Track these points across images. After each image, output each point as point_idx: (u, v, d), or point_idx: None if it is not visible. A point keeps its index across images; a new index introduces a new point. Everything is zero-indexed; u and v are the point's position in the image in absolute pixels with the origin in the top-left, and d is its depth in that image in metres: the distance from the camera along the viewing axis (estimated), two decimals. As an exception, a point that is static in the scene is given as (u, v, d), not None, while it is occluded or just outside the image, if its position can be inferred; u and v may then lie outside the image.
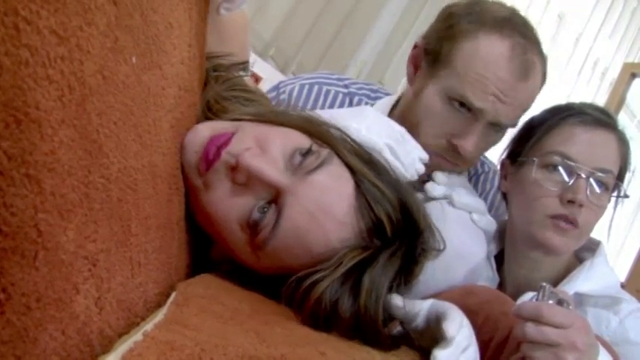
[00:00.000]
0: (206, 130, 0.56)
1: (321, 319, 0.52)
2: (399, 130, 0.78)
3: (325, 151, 0.56)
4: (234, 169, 0.52)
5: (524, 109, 0.92)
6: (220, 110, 0.62)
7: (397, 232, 0.57)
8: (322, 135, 0.58)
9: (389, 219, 0.56)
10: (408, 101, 0.97)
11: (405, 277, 0.58)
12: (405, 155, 0.78)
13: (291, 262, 0.55)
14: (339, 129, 0.62)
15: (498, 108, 0.86)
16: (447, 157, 0.92)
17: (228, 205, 0.54)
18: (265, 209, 0.53)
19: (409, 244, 0.58)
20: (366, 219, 0.55)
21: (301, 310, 0.53)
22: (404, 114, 0.97)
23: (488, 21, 0.88)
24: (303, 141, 0.56)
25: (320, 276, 0.53)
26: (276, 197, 0.53)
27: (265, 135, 0.55)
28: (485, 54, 0.86)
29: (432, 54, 0.91)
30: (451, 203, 0.89)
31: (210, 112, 0.62)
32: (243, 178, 0.52)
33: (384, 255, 0.55)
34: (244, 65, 0.73)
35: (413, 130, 0.90)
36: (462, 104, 0.87)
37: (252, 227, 0.53)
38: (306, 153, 0.54)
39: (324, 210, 0.53)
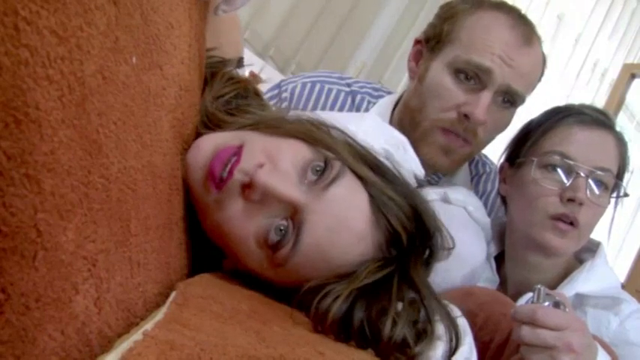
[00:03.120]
0: (209, 145, 0.54)
1: (335, 328, 0.51)
2: (402, 139, 0.78)
3: (337, 164, 0.54)
4: (248, 187, 0.51)
5: (530, 82, 0.93)
6: (217, 117, 0.61)
7: (412, 240, 0.56)
8: (328, 145, 0.56)
9: (404, 229, 0.55)
10: (411, 91, 0.97)
11: None
12: (403, 162, 0.78)
13: (310, 275, 0.54)
14: (340, 130, 0.61)
15: (505, 71, 0.87)
16: (458, 132, 0.91)
17: (244, 224, 0.52)
18: (283, 228, 0.52)
19: (422, 250, 0.58)
20: (383, 230, 0.55)
21: (314, 318, 0.52)
22: (407, 103, 0.97)
23: (485, 2, 0.92)
24: (311, 153, 0.54)
25: (336, 289, 0.52)
26: (293, 214, 0.52)
27: (274, 148, 0.54)
28: (488, 22, 0.88)
29: (434, 37, 0.93)
30: (446, 200, 0.89)
31: (207, 117, 0.60)
32: (258, 196, 0.51)
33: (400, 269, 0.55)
34: (239, 62, 0.73)
35: (420, 113, 0.91)
36: (468, 77, 0.88)
37: (271, 247, 0.52)
38: (323, 170, 0.53)
39: (343, 225, 0.52)
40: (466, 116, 0.88)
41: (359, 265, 0.54)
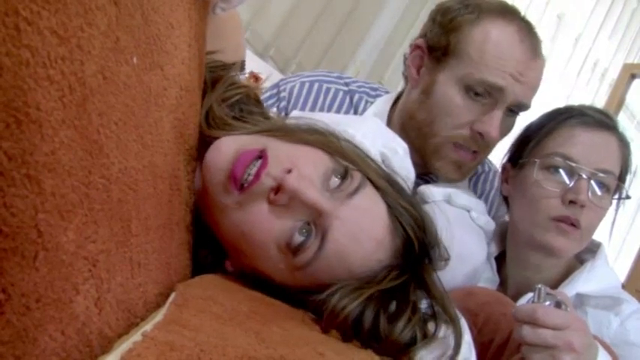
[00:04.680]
0: (229, 147, 0.54)
1: (346, 326, 0.52)
2: (403, 145, 0.78)
3: (358, 175, 0.56)
4: (276, 191, 0.52)
5: (536, 90, 0.94)
6: (224, 120, 0.61)
7: (422, 247, 0.58)
8: (347, 155, 0.58)
9: (416, 236, 0.57)
10: (414, 100, 0.97)
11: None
12: (400, 168, 0.78)
13: (328, 280, 0.54)
14: (347, 140, 0.62)
15: (516, 88, 0.88)
16: (470, 146, 0.92)
17: (266, 226, 0.53)
18: (305, 231, 0.53)
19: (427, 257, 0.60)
20: (400, 238, 0.57)
21: (329, 315, 0.53)
22: (413, 114, 0.97)
23: (487, 9, 0.91)
24: (331, 162, 0.55)
25: (356, 289, 0.53)
26: (316, 218, 0.53)
27: (297, 155, 0.55)
28: (497, 37, 0.88)
29: (439, 48, 0.92)
30: (449, 202, 0.89)
31: (213, 119, 0.61)
32: (285, 200, 0.52)
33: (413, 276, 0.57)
34: (240, 65, 0.73)
35: (429, 127, 0.91)
36: (479, 94, 0.89)
37: (293, 250, 0.53)
38: (344, 176, 0.55)
39: (365, 233, 0.54)
40: (480, 134, 0.90)
41: (377, 271, 0.55)
